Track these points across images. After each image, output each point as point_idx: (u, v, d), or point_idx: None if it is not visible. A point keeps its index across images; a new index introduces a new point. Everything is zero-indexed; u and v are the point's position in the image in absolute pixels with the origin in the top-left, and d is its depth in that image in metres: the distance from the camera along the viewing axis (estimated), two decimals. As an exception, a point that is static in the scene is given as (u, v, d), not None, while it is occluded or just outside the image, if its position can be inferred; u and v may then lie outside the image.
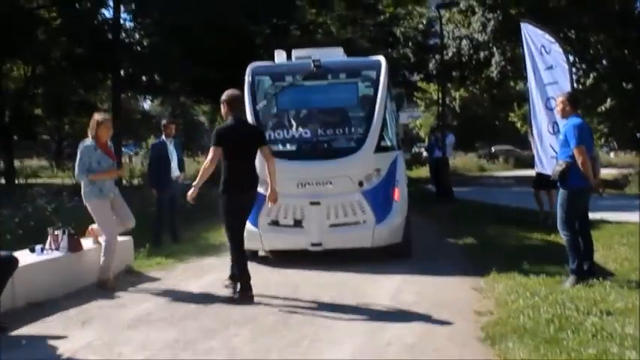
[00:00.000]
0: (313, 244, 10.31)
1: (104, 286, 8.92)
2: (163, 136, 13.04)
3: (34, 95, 35.45)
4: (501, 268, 9.24)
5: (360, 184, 10.27)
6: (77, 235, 9.20)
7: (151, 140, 58.75)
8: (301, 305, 7.87)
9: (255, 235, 10.21)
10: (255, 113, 10.76)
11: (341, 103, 11.21)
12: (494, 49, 27.39)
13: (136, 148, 71.47)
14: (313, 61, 11.04)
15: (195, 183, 8.25)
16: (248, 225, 9.08)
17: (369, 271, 9.80)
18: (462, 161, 43.05)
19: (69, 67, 30.49)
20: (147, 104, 65.36)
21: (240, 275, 8.27)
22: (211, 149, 8.06)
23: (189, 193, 8.34)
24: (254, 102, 10.86)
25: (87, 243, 9.54)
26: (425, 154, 29.88)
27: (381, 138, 10.58)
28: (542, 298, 7.43)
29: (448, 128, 22.36)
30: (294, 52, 12.08)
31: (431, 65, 30.34)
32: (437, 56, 26.80)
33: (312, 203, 10.20)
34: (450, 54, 28.57)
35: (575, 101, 8.78)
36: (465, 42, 28.24)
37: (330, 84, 11.24)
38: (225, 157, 8.08)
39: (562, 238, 8.62)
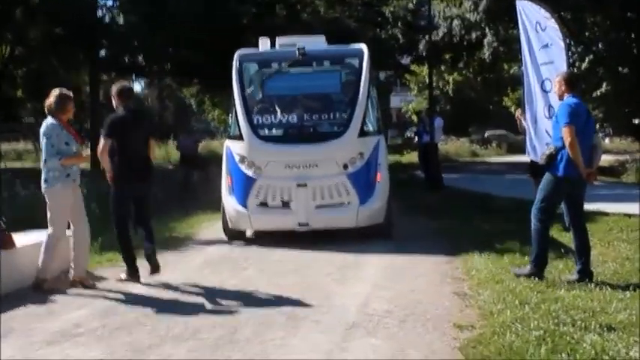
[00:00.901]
0: (300, 224, 10.73)
1: (40, 288, 7.89)
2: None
3: (14, 77, 34.50)
4: (488, 269, 8.26)
5: (345, 166, 10.75)
6: (8, 231, 8.13)
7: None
8: (255, 313, 6.81)
9: (244, 216, 10.87)
10: (243, 98, 11.22)
11: (325, 90, 11.77)
12: (487, 29, 26.24)
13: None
14: (298, 49, 11.43)
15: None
16: (237, 206, 10.78)
17: (344, 264, 8.97)
18: (454, 146, 42.04)
19: (48, 48, 29.39)
20: (137, 86, 63.85)
21: (125, 259, 8.47)
22: (102, 140, 8.12)
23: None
24: (242, 87, 11.35)
25: (25, 238, 8.50)
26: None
27: (364, 123, 11.06)
28: (533, 308, 6.41)
29: (437, 112, 21.23)
30: (278, 40, 12.24)
31: (421, 46, 29.06)
32: (427, 37, 25.64)
33: (299, 185, 10.66)
34: (441, 34, 27.40)
35: (573, 81, 7.94)
36: (456, 22, 27.06)
37: (314, 71, 11.84)
38: (119, 147, 8.08)
39: (532, 223, 7.81)
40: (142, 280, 8.33)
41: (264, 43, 12.19)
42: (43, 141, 7.79)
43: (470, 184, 19.97)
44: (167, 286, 8.12)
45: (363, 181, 10.84)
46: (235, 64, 11.58)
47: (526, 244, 8.65)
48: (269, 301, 7.36)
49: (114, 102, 8.36)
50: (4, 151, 45.82)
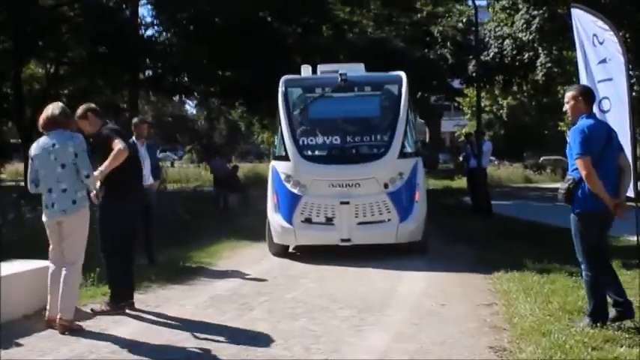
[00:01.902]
0: (343, 240, 11.32)
1: (68, 328, 6.88)
2: (134, 137, 11.09)
3: (57, 96, 34.19)
4: (534, 316, 7.02)
5: (386, 186, 11.38)
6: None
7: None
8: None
9: (290, 232, 11.50)
10: (289, 121, 11.92)
11: (366, 114, 12.38)
12: (540, 49, 24.90)
13: (177, 153, 70.36)
14: (340, 74, 12.03)
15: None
16: (283, 222, 11.49)
17: (366, 305, 7.70)
18: (506, 172, 40.40)
19: (93, 67, 29.00)
20: (189, 107, 63.67)
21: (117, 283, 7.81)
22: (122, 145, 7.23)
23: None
24: (287, 111, 12.04)
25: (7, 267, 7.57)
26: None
27: (404, 145, 11.72)
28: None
29: (484, 135, 19.94)
30: (320, 67, 13.22)
31: (471, 67, 27.75)
32: (476, 57, 24.41)
33: (342, 203, 11.24)
34: (492, 55, 26.12)
35: (586, 98, 6.75)
36: (507, 42, 25.79)
37: (356, 96, 12.35)
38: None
39: (583, 274, 6.71)
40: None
41: (306, 70, 13.01)
42: (78, 157, 6.90)
43: (520, 212, 18.59)
44: (161, 325, 7.07)
45: (402, 200, 11.48)
46: (281, 89, 12.27)
47: (582, 286, 7.40)
48: (267, 351, 6.24)
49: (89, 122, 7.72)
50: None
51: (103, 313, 7.58)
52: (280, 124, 12.04)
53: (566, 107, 6.86)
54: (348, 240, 11.29)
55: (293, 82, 12.63)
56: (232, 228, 15.50)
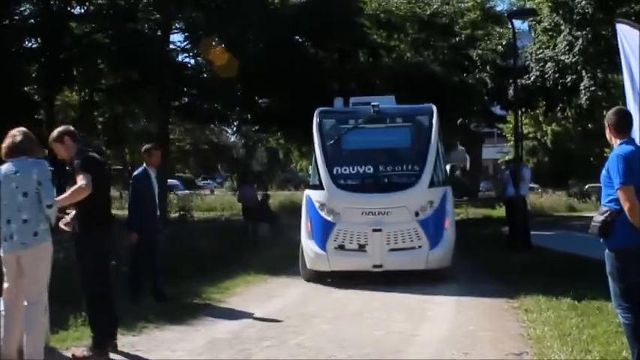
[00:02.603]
0: (375, 266, 11.58)
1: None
2: (145, 165, 10.39)
3: (92, 123, 33.94)
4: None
5: (416, 214, 11.72)
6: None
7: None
8: None
9: (323, 258, 11.77)
10: (324, 151, 12.42)
11: (398, 144, 12.70)
12: (583, 72, 23.86)
13: (217, 180, 69.94)
14: (372, 106, 12.57)
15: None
16: (316, 249, 11.81)
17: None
18: (549, 200, 38.93)
19: (126, 94, 28.67)
20: (227, 135, 63.25)
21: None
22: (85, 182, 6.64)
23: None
24: (322, 141, 12.53)
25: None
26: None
27: (434, 175, 12.13)
28: None
29: (522, 160, 18.83)
30: (352, 99, 14.00)
31: (511, 91, 26.65)
32: (518, 81, 23.40)
33: (374, 230, 11.55)
34: (533, 78, 25.10)
35: (620, 121, 5.93)
36: (549, 65, 24.78)
37: (388, 127, 12.70)
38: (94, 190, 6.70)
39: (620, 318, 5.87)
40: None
41: (338, 102, 13.69)
42: (41, 185, 6.33)
43: (562, 243, 17.35)
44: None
45: (433, 227, 11.78)
46: (316, 120, 12.79)
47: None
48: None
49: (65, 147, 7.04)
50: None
51: (84, 358, 6.79)
52: (315, 154, 12.59)
53: (607, 133, 6.01)
54: (380, 266, 11.56)
55: (327, 114, 13.11)
56: (254, 260, 14.78)
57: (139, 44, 24.05)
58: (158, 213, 10.45)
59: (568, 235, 21.67)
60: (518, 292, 10.41)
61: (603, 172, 5.86)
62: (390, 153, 12.58)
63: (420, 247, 11.68)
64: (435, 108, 12.95)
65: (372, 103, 12.71)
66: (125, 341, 7.59)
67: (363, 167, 12.29)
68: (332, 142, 12.64)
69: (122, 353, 7.07)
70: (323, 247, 11.79)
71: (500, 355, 6.93)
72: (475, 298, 10.17)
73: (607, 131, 6.00)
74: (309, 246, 12.00)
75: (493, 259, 14.76)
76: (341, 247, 11.75)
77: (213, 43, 26.67)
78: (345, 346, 7.30)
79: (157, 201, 10.42)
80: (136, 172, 10.67)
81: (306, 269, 12.20)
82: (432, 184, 12.10)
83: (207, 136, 58.80)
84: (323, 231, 11.89)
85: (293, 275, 12.99)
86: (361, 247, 11.66)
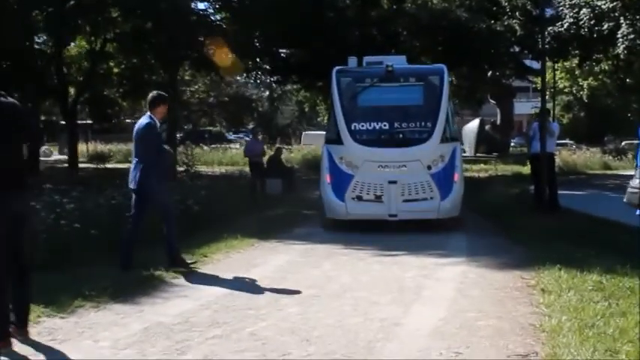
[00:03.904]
0: (390, 215, 12.46)
1: None
2: (151, 115, 9.04)
3: (107, 74, 32.70)
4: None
5: (429, 167, 12.58)
6: None
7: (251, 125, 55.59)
8: None
9: (342, 207, 12.68)
10: (343, 108, 13.15)
11: (411, 102, 13.35)
12: (622, 19, 21.89)
13: (247, 134, 68.52)
14: (387, 66, 13.27)
15: None
16: (335, 199, 12.72)
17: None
18: (583, 157, 37.01)
19: (139, 44, 27.25)
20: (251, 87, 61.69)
21: None
22: None
23: None
24: (340, 99, 13.28)
25: None
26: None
27: (445, 131, 12.93)
28: None
29: (549, 114, 16.99)
30: (365, 59, 14.33)
31: (541, 41, 24.66)
32: (549, 29, 21.51)
33: (390, 182, 12.42)
34: (566, 25, 23.16)
35: None
36: (584, 10, 22.80)
37: (401, 86, 13.41)
38: None
39: None
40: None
41: (352, 61, 14.28)
42: None
43: (594, 205, 15.68)
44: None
45: (443, 180, 12.63)
46: (334, 78, 13.52)
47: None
48: None
49: None
50: (107, 151, 44.91)
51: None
52: (334, 111, 13.37)
53: None
54: (395, 215, 12.45)
55: (344, 73, 13.77)
56: (249, 221, 13.48)
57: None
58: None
59: (601, 195, 20.05)
60: (535, 264, 8.88)
61: None
62: (404, 110, 13.21)
63: (432, 198, 12.55)
64: (445, 68, 13.77)
65: (387, 64, 13.37)
66: (47, 325, 6.27)
67: (379, 123, 12.95)
68: (349, 99, 13.39)
69: (33, 343, 5.71)
70: (342, 197, 12.66)
71: (500, 355, 5.44)
72: (484, 272, 8.68)
73: None
74: (328, 196, 12.89)
75: (515, 222, 13.25)
76: (359, 198, 12.62)
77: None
78: (309, 338, 5.85)
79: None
80: (142, 120, 9.13)
81: (325, 218, 13.21)
82: (442, 140, 12.87)
83: (232, 88, 57.50)
84: (342, 182, 12.72)
85: (285, 239, 11.81)
86: (377, 198, 12.54)
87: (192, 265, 9.05)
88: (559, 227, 12.31)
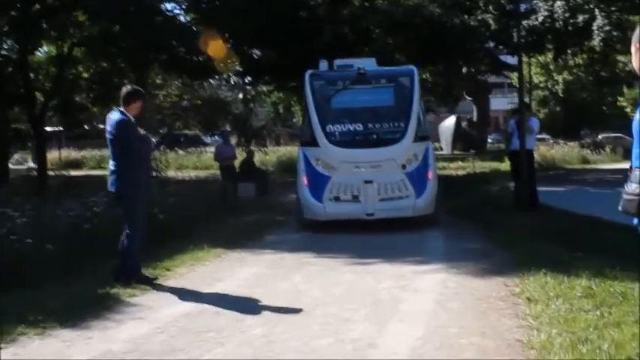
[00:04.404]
0: (367, 214, 12.66)
1: None
2: (125, 111, 8.35)
3: (75, 79, 31.89)
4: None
5: (403, 166, 12.85)
6: None
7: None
8: None
9: (320, 208, 12.87)
10: (317, 111, 13.40)
11: (384, 103, 13.78)
12: (596, 11, 21.46)
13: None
14: (358, 68, 13.74)
15: None
16: (313, 200, 12.91)
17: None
18: (561, 152, 36.65)
19: (108, 47, 26.47)
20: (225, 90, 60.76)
21: None
22: None
23: None
24: (315, 101, 13.55)
25: None
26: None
27: (417, 130, 13.25)
28: None
29: (530, 109, 16.47)
30: (336, 62, 14.51)
31: (516, 35, 24.05)
32: (523, 22, 20.98)
33: (366, 182, 12.66)
34: (541, 19, 22.70)
35: None
36: (559, 3, 22.34)
37: (373, 87, 13.87)
38: None
39: None
40: None
41: (322, 64, 14.49)
42: None
43: (575, 202, 15.14)
44: None
45: (418, 179, 12.93)
46: (307, 82, 13.76)
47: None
48: None
49: None
50: (86, 158, 44.13)
51: None
52: (309, 114, 13.56)
53: (632, 58, 3.93)
54: (372, 214, 12.65)
55: (317, 76, 14.00)
56: (218, 229, 12.87)
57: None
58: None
59: (581, 191, 19.62)
60: (519, 270, 8.34)
61: (637, 117, 3.82)
62: (377, 111, 13.58)
63: (407, 196, 12.79)
64: (415, 69, 14.15)
65: (358, 66, 13.81)
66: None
67: (354, 125, 13.31)
68: (323, 102, 13.64)
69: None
70: (320, 198, 12.85)
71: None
72: (465, 281, 8.11)
73: (635, 55, 3.90)
74: (306, 198, 13.04)
75: (495, 221, 12.84)
76: (336, 199, 12.83)
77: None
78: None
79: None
80: (113, 117, 8.34)
81: (302, 218, 13.29)
82: (415, 140, 13.16)
83: (205, 91, 56.61)
84: (319, 184, 12.91)
85: (255, 248, 11.22)
86: (354, 198, 12.75)
87: (153, 281, 8.42)
88: (540, 227, 11.85)
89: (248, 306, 7.17)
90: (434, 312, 6.73)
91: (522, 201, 14.50)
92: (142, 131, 8.51)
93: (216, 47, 23.67)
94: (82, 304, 7.22)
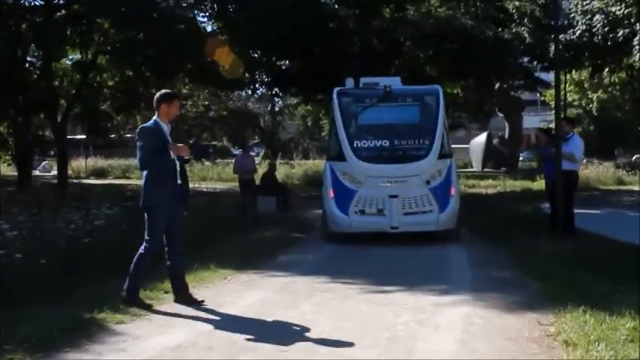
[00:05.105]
0: (392, 228, 12.99)
1: None
2: (157, 117, 7.81)
3: (99, 87, 31.38)
4: None
5: (427, 182, 13.24)
6: None
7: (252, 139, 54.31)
8: None
9: (346, 221, 13.20)
10: (344, 126, 13.74)
11: (410, 121, 14.10)
12: (637, 25, 20.46)
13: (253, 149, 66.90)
14: (385, 87, 14.03)
15: None
16: (339, 213, 13.30)
17: None
18: (595, 172, 35.40)
19: (133, 55, 25.92)
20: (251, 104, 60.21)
21: None
22: None
23: None
24: (342, 118, 13.89)
25: None
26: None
27: (441, 148, 13.59)
28: None
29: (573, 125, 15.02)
30: (362, 80, 14.77)
31: (552, 49, 23.02)
32: (560, 36, 20.02)
33: (391, 196, 13.04)
34: (578, 32, 21.73)
35: None
36: (598, 17, 21.36)
37: (399, 105, 14.26)
38: None
39: None
40: None
41: (349, 82, 14.83)
42: None
43: (614, 227, 13.99)
44: None
45: (441, 194, 13.26)
46: (335, 98, 14.16)
47: None
48: None
49: None
50: (113, 166, 43.82)
51: None
52: (336, 129, 13.90)
53: None
54: (397, 227, 12.97)
55: (345, 94, 14.40)
56: (230, 247, 12.14)
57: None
58: (179, 181, 7.90)
59: (619, 214, 18.56)
60: (554, 304, 7.44)
61: None
62: (403, 129, 13.87)
63: (431, 211, 13.12)
64: (440, 88, 14.58)
65: (385, 84, 14.10)
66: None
67: (380, 141, 13.64)
68: (350, 118, 14.07)
69: None
70: (346, 211, 13.19)
71: None
72: (492, 316, 7.21)
73: None
74: (332, 211, 13.37)
75: (527, 246, 11.93)
76: (362, 212, 13.15)
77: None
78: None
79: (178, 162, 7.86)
80: (144, 125, 7.98)
81: (327, 231, 13.69)
82: (440, 156, 13.49)
83: (233, 102, 56.13)
84: (345, 197, 13.25)
85: (265, 269, 10.43)
86: (379, 212, 13.07)
87: (149, 306, 7.67)
88: (576, 254, 10.89)
89: (245, 340, 6.34)
90: (456, 354, 5.85)
91: (557, 224, 13.52)
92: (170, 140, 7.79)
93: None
94: (62, 330, 6.42)
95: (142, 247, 7.77)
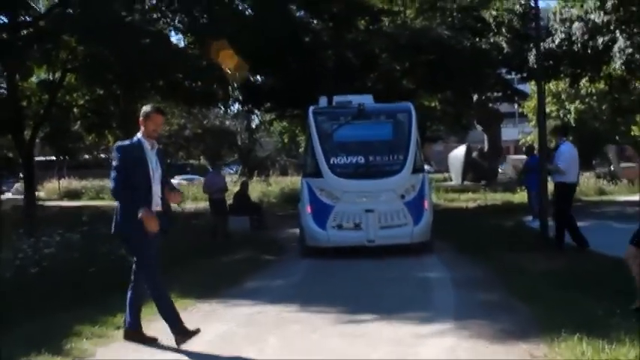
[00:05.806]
0: (369, 241, 13.42)
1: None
2: (140, 135, 6.99)
3: (67, 107, 30.48)
4: None
5: (402, 196, 13.71)
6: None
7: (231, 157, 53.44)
8: None
9: (324, 236, 13.57)
10: (321, 144, 14.18)
11: (383, 137, 14.56)
12: (617, 32, 19.96)
13: (231, 167, 66.08)
14: (359, 105, 14.49)
15: None
16: (317, 228, 13.61)
17: None
18: (575, 183, 34.85)
19: (102, 73, 25.04)
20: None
21: None
22: None
23: None
24: (318, 135, 14.30)
25: None
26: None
27: (414, 163, 14.13)
28: None
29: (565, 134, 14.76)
30: (335, 98, 15.21)
31: (531, 59, 22.44)
32: (540, 45, 19.46)
33: (367, 211, 13.48)
34: (557, 41, 21.20)
35: None
36: (577, 24, 20.85)
37: (373, 123, 14.82)
38: None
39: None
40: None
41: (322, 100, 15.39)
42: None
43: (600, 240, 13.31)
44: None
45: (415, 208, 13.64)
46: (310, 116, 14.56)
47: None
48: None
49: None
50: (85, 188, 42.80)
51: None
52: (313, 147, 14.26)
53: None
54: (373, 241, 13.32)
55: (320, 112, 14.82)
56: (196, 272, 11.30)
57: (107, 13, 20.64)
58: (159, 205, 6.98)
59: (605, 226, 17.93)
60: (547, 332, 6.70)
61: None
62: (377, 145, 14.24)
63: (406, 224, 13.49)
64: (412, 106, 14.95)
65: (358, 102, 14.50)
66: None
67: (356, 158, 14.02)
68: (326, 136, 14.32)
69: None
70: (323, 226, 13.49)
71: None
72: (479, 347, 6.45)
73: None
74: (310, 226, 13.66)
75: (513, 264, 11.26)
76: (339, 227, 13.49)
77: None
78: None
79: (159, 186, 7.01)
80: (121, 144, 7.11)
81: (306, 246, 13.86)
82: (413, 171, 13.94)
83: (209, 120, 55.39)
84: (323, 213, 13.55)
85: (231, 297, 9.66)
86: (356, 226, 13.44)
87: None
88: (566, 272, 10.20)
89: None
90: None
91: (546, 240, 13.03)
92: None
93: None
94: None
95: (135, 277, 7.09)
